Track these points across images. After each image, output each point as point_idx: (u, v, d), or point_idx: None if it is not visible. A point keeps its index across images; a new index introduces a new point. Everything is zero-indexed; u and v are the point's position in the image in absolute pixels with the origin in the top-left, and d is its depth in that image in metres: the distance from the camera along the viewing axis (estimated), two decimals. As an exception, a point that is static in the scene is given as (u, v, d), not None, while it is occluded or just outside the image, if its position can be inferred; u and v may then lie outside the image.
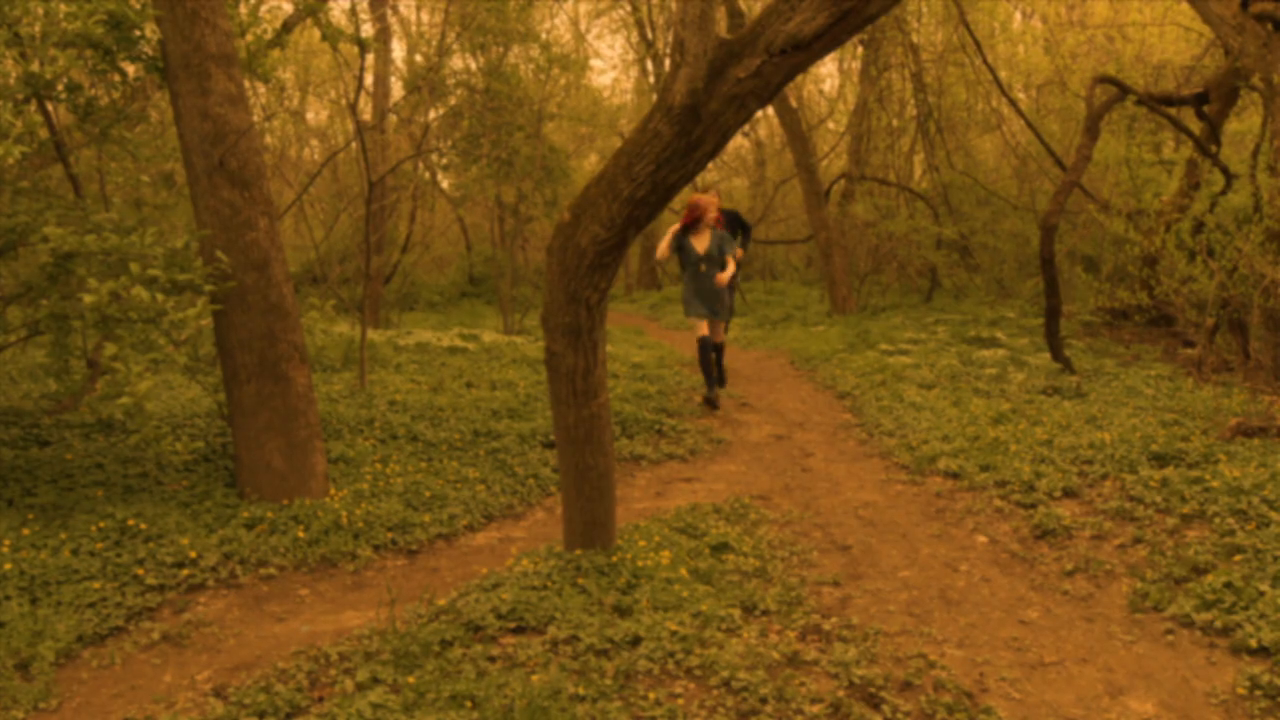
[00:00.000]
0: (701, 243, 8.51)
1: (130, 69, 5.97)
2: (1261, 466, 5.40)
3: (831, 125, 24.42)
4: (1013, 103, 14.11)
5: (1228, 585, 4.08)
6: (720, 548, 4.92)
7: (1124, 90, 10.46)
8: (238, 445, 5.47)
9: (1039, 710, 3.35)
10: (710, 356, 8.67)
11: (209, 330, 5.57)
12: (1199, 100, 10.89)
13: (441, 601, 4.16)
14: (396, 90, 17.87)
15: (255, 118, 6.66)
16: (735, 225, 9.90)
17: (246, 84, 6.79)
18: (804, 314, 16.98)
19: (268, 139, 17.91)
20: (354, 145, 14.43)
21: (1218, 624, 3.90)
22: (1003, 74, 16.56)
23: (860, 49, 17.25)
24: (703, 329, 8.54)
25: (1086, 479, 5.79)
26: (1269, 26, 8.12)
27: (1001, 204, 16.31)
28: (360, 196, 12.98)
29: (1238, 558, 4.33)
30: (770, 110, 20.04)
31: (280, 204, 12.71)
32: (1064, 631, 4.04)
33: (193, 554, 4.64)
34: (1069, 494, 5.65)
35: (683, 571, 4.42)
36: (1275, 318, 8.10)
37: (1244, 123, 13.22)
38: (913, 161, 19.32)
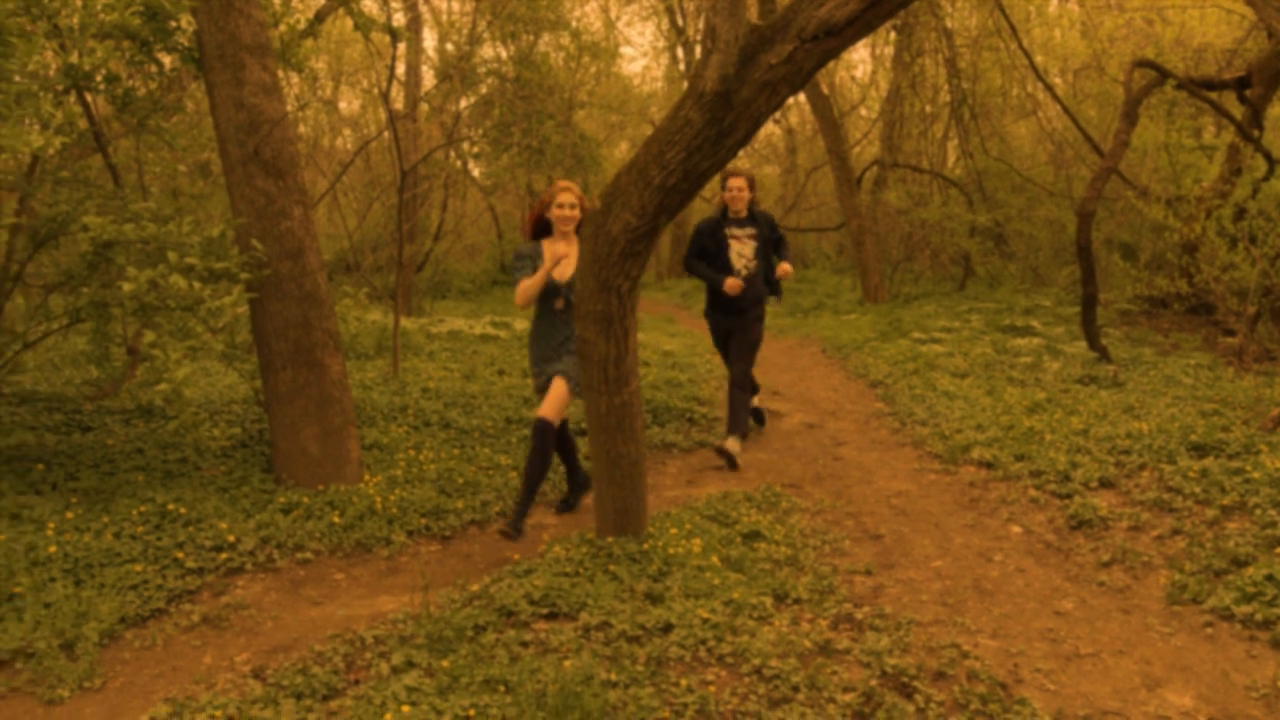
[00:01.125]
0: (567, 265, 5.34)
1: (167, 60, 6.03)
2: (1304, 457, 5.30)
3: (864, 112, 24.21)
4: (1049, 88, 13.89)
5: (1269, 578, 4.02)
6: (752, 536, 4.92)
7: (1163, 74, 10.27)
8: (274, 431, 5.54)
9: (1074, 702, 3.32)
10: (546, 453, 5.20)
11: (245, 318, 5.64)
12: (1241, 84, 10.67)
13: (475, 587, 4.19)
14: (428, 79, 17.94)
15: (289, 107, 6.71)
16: (769, 232, 6.96)
17: (280, 74, 6.84)
18: (835, 302, 16.89)
19: (301, 128, 18.06)
20: (386, 134, 14.52)
21: (1258, 617, 3.84)
22: (1039, 58, 16.31)
23: (893, 34, 17.07)
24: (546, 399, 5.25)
25: (1124, 469, 5.71)
26: (1315, 7, 7.93)
27: (1037, 191, 16.10)
28: (392, 185, 13.06)
29: (1279, 550, 4.26)
30: (802, 97, 19.90)
31: (314, 193, 12.82)
32: (1100, 623, 4.00)
33: (231, 538, 4.71)
34: (1105, 484, 5.58)
35: (714, 559, 4.42)
36: (1319, 306, 7.94)
37: (1288, 107, 12.93)
38: (946, 148, 19.10)
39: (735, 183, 6.72)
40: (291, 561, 4.77)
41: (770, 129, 26.75)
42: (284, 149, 5.51)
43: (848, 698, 3.23)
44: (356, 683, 3.40)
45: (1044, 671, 3.54)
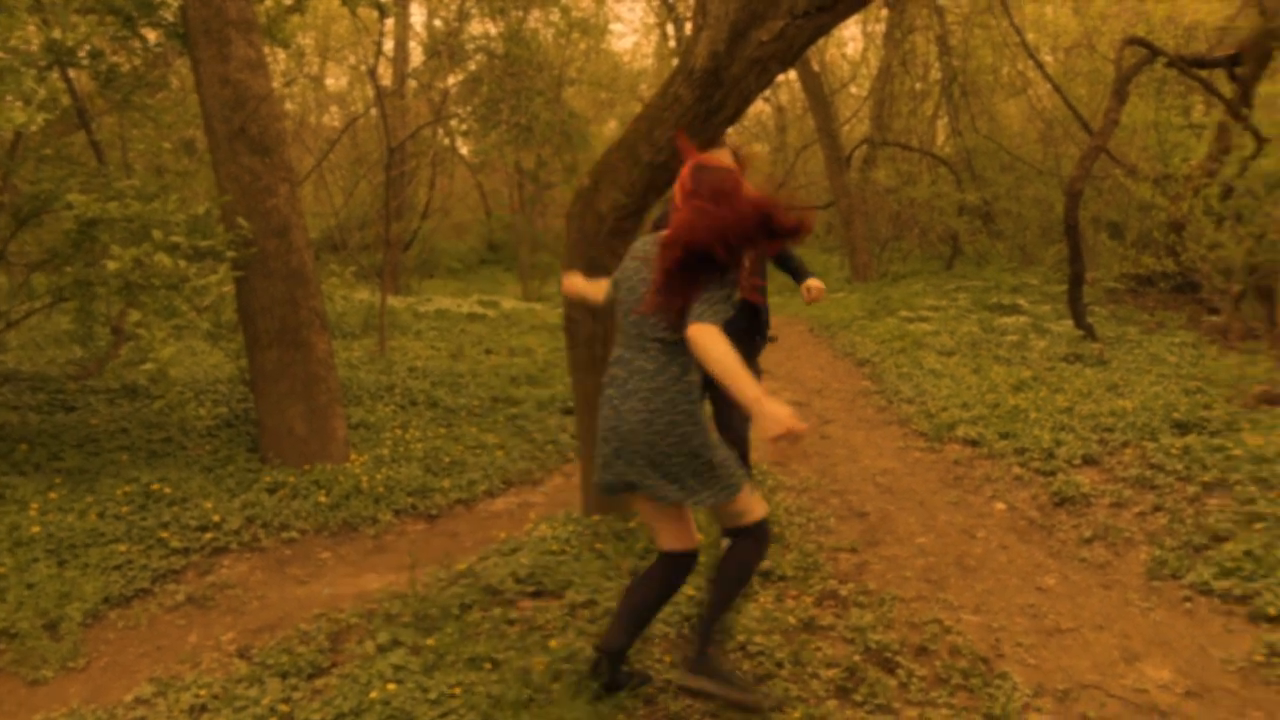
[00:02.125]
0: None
1: (151, 35, 5.97)
2: (1286, 435, 5.34)
3: (854, 90, 24.11)
4: (1039, 65, 13.86)
5: (1247, 553, 4.06)
6: (738, 514, 4.93)
7: (1154, 52, 10.25)
8: (259, 410, 5.53)
9: (1054, 676, 3.36)
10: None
11: (231, 296, 5.61)
12: (1231, 62, 10.66)
13: (461, 566, 4.20)
14: (416, 55, 17.78)
15: (275, 84, 6.65)
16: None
17: (266, 50, 6.77)
18: (824, 280, 16.89)
19: (288, 105, 17.91)
20: (373, 111, 14.40)
21: (1236, 592, 3.88)
22: (1030, 36, 16.26)
23: (885, 11, 16.98)
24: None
25: (1107, 447, 5.75)
26: (1304, -14, 7.92)
27: (1026, 169, 16.09)
28: (379, 163, 12.97)
29: (1258, 526, 4.30)
30: (792, 74, 19.81)
31: (300, 170, 12.73)
32: (1081, 599, 4.04)
33: (216, 518, 4.71)
34: (1089, 462, 5.62)
35: (700, 537, 4.44)
36: (1304, 285, 7.99)
37: (1278, 85, 12.94)
38: (936, 126, 19.06)
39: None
40: (277, 541, 4.77)
41: (760, 106, 26.64)
42: (270, 126, 5.46)
43: (831, 673, 3.26)
44: (341, 662, 3.41)
45: (1025, 646, 3.58)
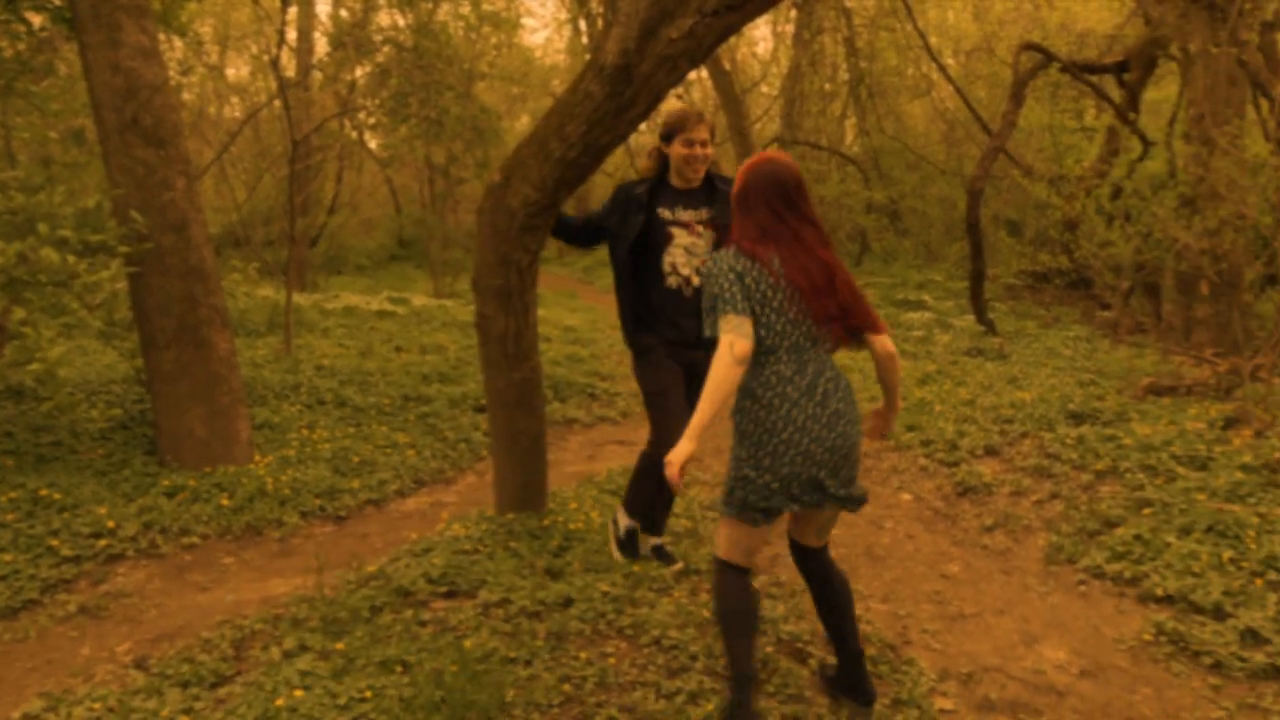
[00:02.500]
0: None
1: (36, 19, 5.68)
2: (1171, 424, 5.61)
3: (765, 89, 24.44)
4: (942, 68, 14.27)
5: (1137, 537, 4.25)
6: (652, 509, 4.95)
7: (1048, 57, 10.65)
8: (157, 412, 5.32)
9: (958, 660, 3.46)
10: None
11: (124, 293, 5.38)
12: (1120, 68, 11.15)
13: (371, 567, 4.11)
14: (321, 46, 17.34)
15: (171, 73, 6.40)
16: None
17: (161, 37, 6.51)
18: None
19: (185, 95, 17.27)
20: (276, 103, 13.99)
21: (1127, 574, 4.06)
22: (933, 39, 16.73)
23: (794, 12, 17.24)
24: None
25: (1007, 437, 5.96)
26: (1186, -3, 8.33)
27: (930, 169, 16.56)
28: (284, 156, 12.61)
29: (1147, 511, 4.51)
30: (704, 72, 19.95)
31: (199, 163, 12.28)
32: (983, 584, 4.17)
33: (110, 524, 4.51)
34: (990, 452, 5.81)
35: (615, 533, 4.44)
36: (1186, 281, 8.40)
37: (1162, 91, 13.59)
38: (844, 126, 19.47)
39: (699, 133, 3.81)
40: (176, 547, 4.60)
41: (672, 104, 26.78)
42: (165, 116, 5.25)
43: (744, 665, 3.29)
44: (246, 670, 3.31)
45: (930, 632, 3.68)
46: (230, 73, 21.14)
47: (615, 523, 4.25)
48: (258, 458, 5.48)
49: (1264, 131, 8.32)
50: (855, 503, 2.86)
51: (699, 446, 2.69)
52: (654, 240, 3.91)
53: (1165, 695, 3.19)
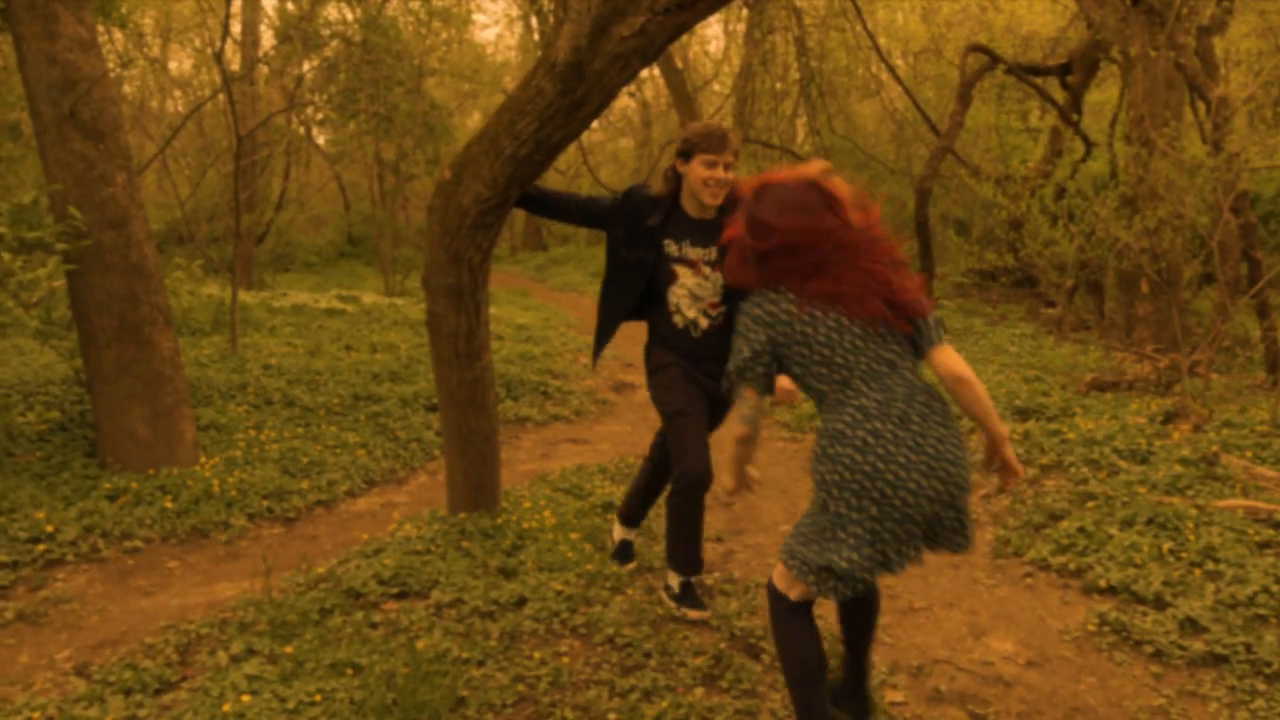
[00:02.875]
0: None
1: (-35, 8, 5.49)
2: (1113, 419, 5.75)
3: (717, 87, 24.55)
4: (891, 69, 14.45)
5: (1081, 530, 4.35)
6: (606, 507, 4.95)
7: (994, 59, 10.84)
8: (98, 413, 5.19)
9: (909, 653, 3.51)
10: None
11: (63, 292, 5.24)
12: (1063, 71, 11.39)
13: (320, 569, 4.06)
14: (267, 40, 17.05)
15: (111, 65, 6.25)
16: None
17: (100, 29, 6.35)
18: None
19: (126, 89, 16.87)
20: (221, 97, 13.72)
21: (1071, 566, 4.14)
22: (882, 40, 16.92)
23: (745, 11, 17.33)
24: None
25: (955, 433, 6.04)
26: (1127, 1, 8.52)
27: (880, 168, 16.75)
28: (229, 151, 12.37)
29: (1090, 504, 4.61)
30: (657, 71, 19.99)
31: (141, 158, 12.00)
32: (933, 578, 4.23)
33: (49, 528, 4.39)
34: (939, 448, 5.89)
35: (569, 532, 4.43)
36: (1127, 279, 8.61)
37: (1104, 93, 13.92)
38: (795, 125, 19.61)
39: (723, 154, 3.39)
40: (119, 551, 4.49)
41: (625, 101, 26.81)
42: (105, 109, 5.12)
43: (698, 661, 3.31)
44: (191, 675, 3.24)
45: (881, 626, 3.72)
46: (173, 66, 20.71)
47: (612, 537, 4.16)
48: (203, 459, 5.38)
49: (1201, 134, 8.55)
50: (968, 540, 2.48)
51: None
52: (657, 274, 3.53)
53: (1109, 684, 3.27)
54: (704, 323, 3.52)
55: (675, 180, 3.53)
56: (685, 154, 3.44)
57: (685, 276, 3.51)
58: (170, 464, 5.18)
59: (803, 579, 2.49)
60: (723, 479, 2.58)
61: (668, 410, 3.51)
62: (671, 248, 3.51)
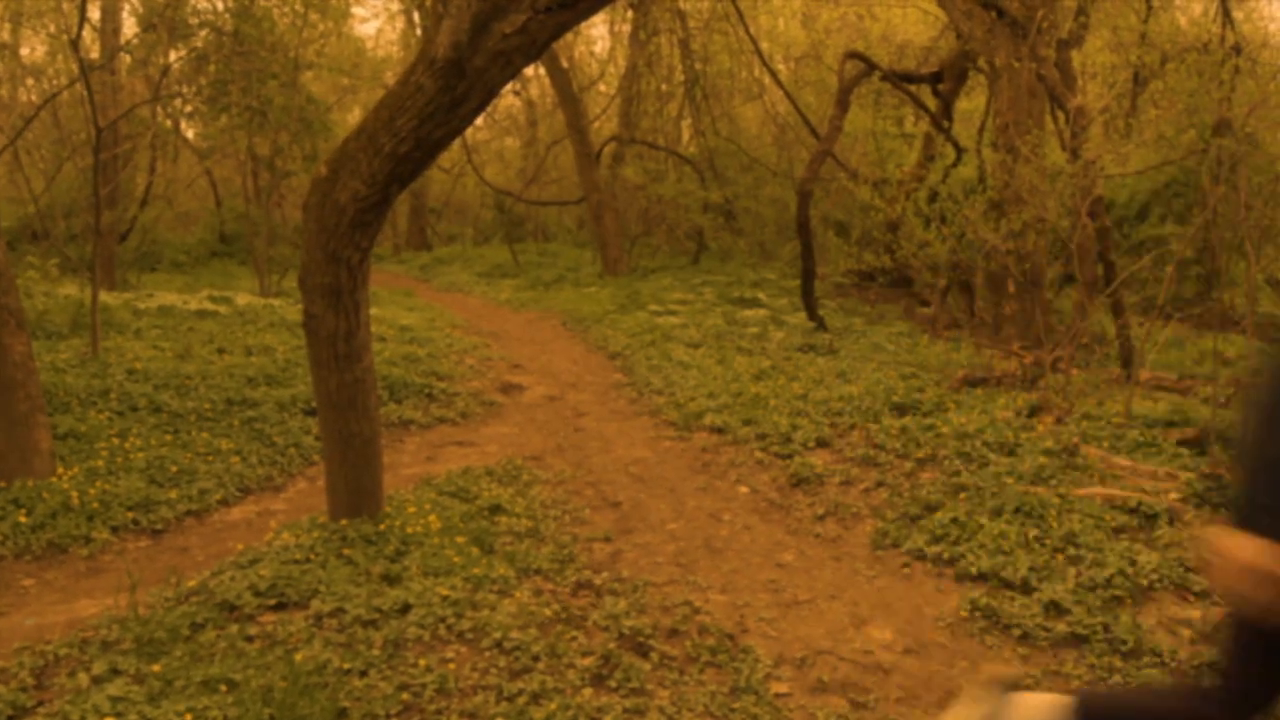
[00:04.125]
0: None
1: None
2: (983, 413, 6.01)
3: (603, 88, 24.58)
4: (773, 73, 14.77)
5: (954, 520, 4.52)
6: (493, 510, 4.89)
7: (871, 66, 11.20)
8: (-59, 422, 4.83)
9: (793, 645, 3.58)
10: None
11: (-101, 292, 4.85)
12: (935, 79, 11.86)
13: (191, 582, 3.87)
14: (129, 27, 16.20)
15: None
16: None
17: (-61, 9, 5.91)
18: (576, 275, 17.10)
19: (-28, 75, 15.76)
20: (78, 87, 12.96)
21: (945, 555, 4.31)
22: (764, 45, 17.27)
23: (630, 12, 17.42)
24: None
25: (837, 429, 6.21)
26: (993, 14, 8.93)
27: (763, 170, 17.08)
28: (87, 144, 11.71)
29: (962, 495, 4.80)
30: (542, 70, 19.89)
31: (-10, 149, 11.23)
32: (816, 571, 4.33)
33: (-115, 548, 4.06)
34: (822, 444, 6.04)
35: (456, 536, 4.35)
36: (996, 279, 9.02)
37: (973, 101, 14.54)
38: (680, 126, 19.83)
39: None
40: (-34, 569, 4.19)
41: (510, 100, 26.57)
42: (-56, 96, 4.77)
43: (587, 661, 3.29)
44: (49, 699, 3.04)
45: (767, 620, 3.79)
46: (25, 52, 19.46)
47: None
48: (61, 470, 5.06)
49: (1060, 141, 9.02)
50: None
51: None
52: None
53: (981, 667, 3.40)
54: None
55: None
56: None
57: None
58: (24, 475, 4.86)
59: None
60: None
61: None
62: None
